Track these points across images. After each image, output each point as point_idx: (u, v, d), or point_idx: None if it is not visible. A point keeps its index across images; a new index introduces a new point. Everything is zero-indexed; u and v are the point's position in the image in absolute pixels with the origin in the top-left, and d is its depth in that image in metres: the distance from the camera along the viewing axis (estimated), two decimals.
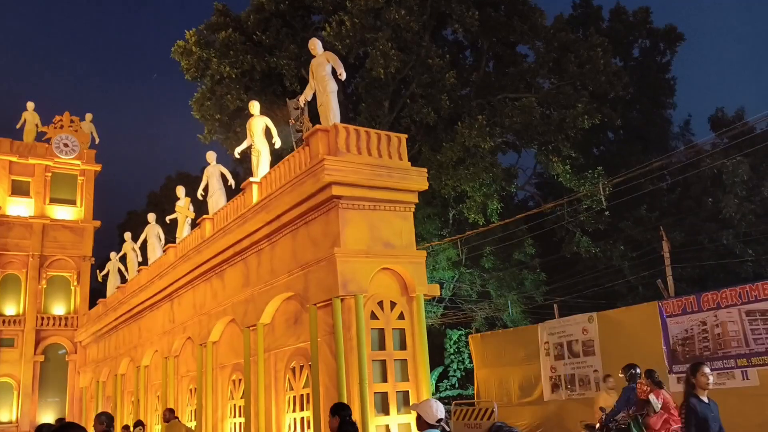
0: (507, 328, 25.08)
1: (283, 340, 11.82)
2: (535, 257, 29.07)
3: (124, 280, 23.38)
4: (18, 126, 29.85)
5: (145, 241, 20.63)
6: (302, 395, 11.12)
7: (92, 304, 27.86)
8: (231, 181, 15.70)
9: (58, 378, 27.41)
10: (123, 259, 23.94)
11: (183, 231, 17.49)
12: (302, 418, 11.08)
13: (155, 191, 42.80)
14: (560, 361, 17.67)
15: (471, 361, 29.66)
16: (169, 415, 12.75)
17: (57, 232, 28.47)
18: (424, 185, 10.90)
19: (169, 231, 20.65)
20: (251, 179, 12.96)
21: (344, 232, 10.22)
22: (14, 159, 28.24)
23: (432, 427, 4.84)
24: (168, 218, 18.51)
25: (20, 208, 28.20)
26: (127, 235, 22.54)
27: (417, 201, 11.03)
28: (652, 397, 9.15)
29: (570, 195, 25.34)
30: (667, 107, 36.13)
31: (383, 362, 10.17)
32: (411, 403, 10.15)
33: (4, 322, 26.77)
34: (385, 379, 10.09)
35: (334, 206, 10.33)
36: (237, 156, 14.26)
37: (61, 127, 29.51)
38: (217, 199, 15.43)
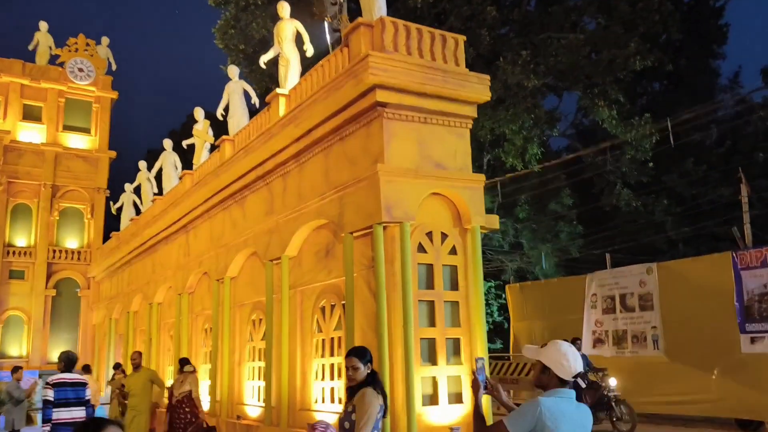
0: (537, 281, 23.48)
1: (311, 275, 10.23)
2: (571, 208, 27.46)
3: (139, 213, 22.00)
4: (30, 47, 28.11)
5: (161, 171, 19.11)
6: (333, 339, 9.59)
7: (106, 238, 26.63)
8: (255, 99, 13.97)
9: (71, 314, 26.31)
10: (138, 191, 22.52)
11: (201, 157, 15.90)
12: (332, 365, 9.57)
13: (176, 130, 41.08)
14: (609, 315, 16.04)
15: (500, 314, 28.25)
16: (138, 360, 10.95)
17: (70, 161, 26.94)
18: (486, 95, 9.10)
19: (187, 161, 19.10)
20: (278, 90, 11.21)
21: (389, 148, 8.50)
22: (26, 82, 26.56)
23: (564, 384, 3.21)
24: (185, 143, 16.90)
25: (32, 134, 26.66)
26: (142, 164, 21.04)
27: (476, 116, 9.26)
28: None
29: (613, 141, 23.53)
30: (716, 57, 33.59)
31: (431, 304, 8.54)
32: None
33: (14, 253, 25.52)
34: (432, 324, 8.48)
35: (378, 116, 8.60)
36: (263, 66, 12.51)
37: (76, 50, 27.73)
38: (238, 119, 13.74)
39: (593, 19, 25.10)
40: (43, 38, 28.03)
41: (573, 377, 3.19)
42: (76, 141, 27.50)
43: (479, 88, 9.04)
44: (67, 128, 27.33)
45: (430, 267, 8.64)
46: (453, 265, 8.83)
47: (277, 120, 11.01)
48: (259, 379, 11.71)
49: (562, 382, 3.19)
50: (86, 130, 27.77)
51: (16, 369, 12.31)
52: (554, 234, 27.91)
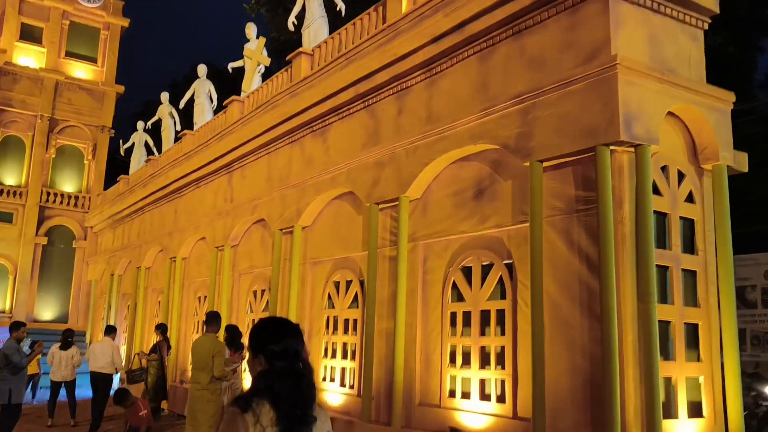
0: None
1: (447, 224, 7.46)
2: None
3: (151, 155, 19.03)
4: None
5: (189, 104, 16.11)
6: (488, 312, 6.84)
7: (108, 184, 23.52)
8: (341, 5, 11.07)
9: (63, 267, 23.14)
10: (154, 130, 19.52)
11: (252, 82, 13.00)
12: (482, 348, 6.83)
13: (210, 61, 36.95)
14: None
15: None
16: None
17: (72, 93, 23.59)
18: None
19: (223, 94, 16.22)
20: None
21: (616, 39, 5.73)
22: None
23: None
24: (231, 65, 13.94)
25: (30, 58, 23.26)
26: (164, 96, 17.98)
27: (718, 11, 6.52)
28: None
29: None
30: (754, 48, 30.93)
31: (663, 271, 5.84)
32: (701, 344, 5.90)
33: (2, 192, 22.23)
34: (665, 300, 5.79)
35: None
36: None
37: None
38: (317, 29, 10.85)
39: None
40: None
41: None
42: (80, 70, 24.12)
43: None
44: (71, 55, 23.94)
45: (662, 218, 5.93)
46: (689, 218, 6.13)
47: (400, 17, 8.19)
48: (342, 358, 8.96)
49: None
50: (92, 60, 24.39)
51: (16, 325, 9.38)
52: None
